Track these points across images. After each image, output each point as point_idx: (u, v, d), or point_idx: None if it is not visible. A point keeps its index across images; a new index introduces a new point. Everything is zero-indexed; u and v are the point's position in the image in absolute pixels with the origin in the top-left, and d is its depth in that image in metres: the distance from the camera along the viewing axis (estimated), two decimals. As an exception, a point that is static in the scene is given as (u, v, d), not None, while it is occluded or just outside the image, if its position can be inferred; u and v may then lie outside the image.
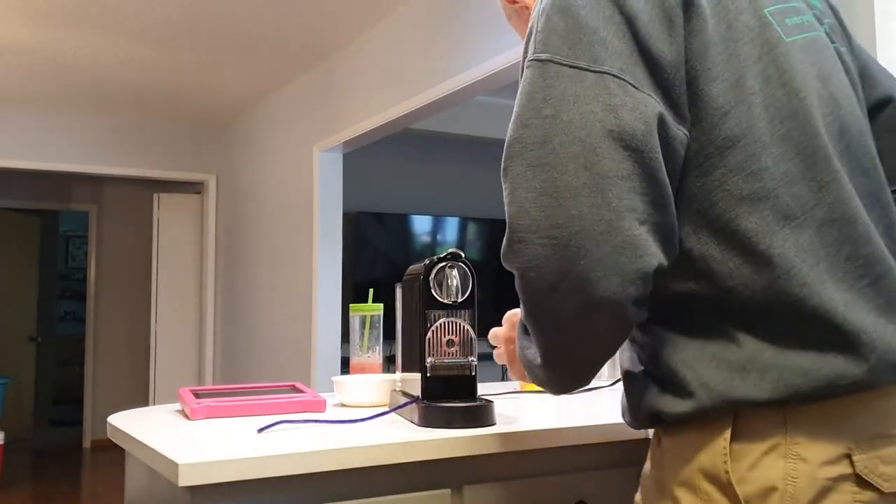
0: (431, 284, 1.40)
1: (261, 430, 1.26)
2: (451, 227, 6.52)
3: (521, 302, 0.91)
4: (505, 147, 0.90)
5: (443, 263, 1.41)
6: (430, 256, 1.43)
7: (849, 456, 0.84)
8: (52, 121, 5.86)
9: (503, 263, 0.91)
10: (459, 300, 1.41)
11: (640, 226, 0.83)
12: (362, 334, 1.80)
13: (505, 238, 0.89)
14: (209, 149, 6.41)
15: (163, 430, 1.32)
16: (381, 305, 1.80)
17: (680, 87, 0.88)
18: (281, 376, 5.15)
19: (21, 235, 7.81)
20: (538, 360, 0.95)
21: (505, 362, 1.29)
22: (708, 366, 0.87)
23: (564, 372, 0.95)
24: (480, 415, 1.32)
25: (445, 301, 1.40)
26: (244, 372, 5.82)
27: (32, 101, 5.66)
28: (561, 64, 0.86)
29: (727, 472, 0.86)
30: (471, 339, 1.38)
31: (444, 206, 6.53)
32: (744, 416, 0.86)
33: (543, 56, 0.87)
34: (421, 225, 6.42)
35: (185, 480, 1.01)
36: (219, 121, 6.30)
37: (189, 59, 4.86)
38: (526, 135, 0.86)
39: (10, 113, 5.75)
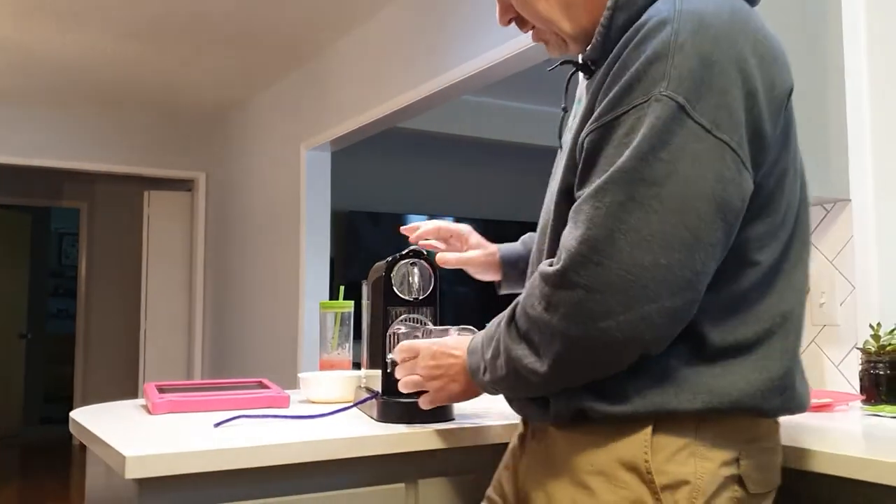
0: (393, 281, 1.42)
1: (217, 425, 1.27)
2: (442, 226, 6.53)
3: (554, 312, 0.94)
4: (612, 169, 0.91)
5: (405, 261, 1.43)
6: (392, 254, 1.44)
7: (738, 460, 0.98)
8: (44, 117, 5.86)
9: (561, 274, 0.93)
10: (421, 297, 1.42)
11: (704, 287, 0.93)
12: (332, 331, 1.81)
13: (576, 252, 0.92)
14: (199, 146, 6.41)
15: (122, 424, 1.33)
16: (352, 303, 1.81)
17: (765, 167, 0.96)
18: (268, 374, 5.14)
19: (12, 232, 7.81)
20: (539, 367, 0.98)
21: (421, 387, 1.23)
22: (646, 378, 0.96)
23: (563, 382, 1.00)
24: (440, 410, 1.32)
25: (407, 298, 1.42)
26: (233, 369, 5.82)
27: (23, 97, 5.66)
28: (688, 115, 0.90)
29: (647, 462, 0.97)
30: (432, 335, 1.38)
31: (438, 205, 6.53)
32: (663, 418, 0.97)
33: (679, 99, 0.90)
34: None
35: (131, 473, 1.02)
36: (209, 118, 6.31)
37: (179, 56, 4.87)
38: (639, 168, 0.90)
39: (1, 109, 5.75)
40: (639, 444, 0.97)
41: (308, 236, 4.79)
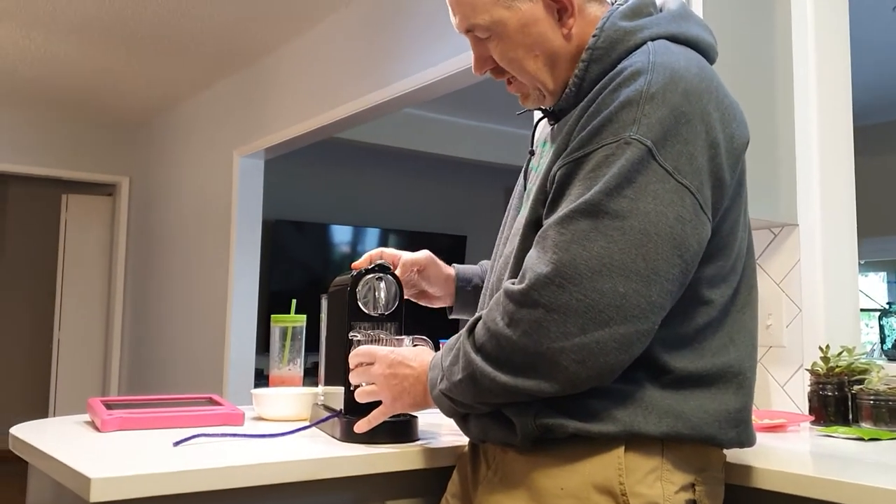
0: (358, 296, 1.38)
1: (177, 444, 1.21)
2: (372, 238, 6.48)
3: (515, 328, 0.98)
4: (579, 200, 0.98)
5: (370, 276, 1.39)
6: (357, 269, 1.40)
7: (693, 486, 1.04)
8: (-45, 114, 5.58)
9: (525, 293, 0.97)
10: (386, 313, 1.39)
11: (659, 322, 0.98)
12: (283, 346, 1.76)
13: (540, 273, 0.97)
14: (123, 150, 6.20)
15: (71, 442, 1.26)
16: (305, 317, 1.76)
17: (721, 212, 1.04)
18: (192, 389, 4.99)
19: (-85, 234, 7.39)
20: (496, 376, 1.01)
21: (376, 396, 1.23)
22: (612, 399, 1.01)
23: (518, 394, 1.01)
24: (404, 430, 1.30)
25: (372, 314, 1.38)
26: (153, 384, 5.62)
27: (-67, 92, 5.39)
28: (654, 158, 0.97)
29: (622, 485, 1.00)
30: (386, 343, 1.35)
31: (364, 216, 6.48)
32: (632, 441, 1.01)
33: (648, 143, 0.97)
34: (341, 235, 6.36)
35: (97, 496, 0.96)
36: (134, 121, 6.11)
37: (107, 57, 4.70)
38: (605, 202, 0.96)
39: None
40: (612, 465, 1.01)
41: (238, 245, 4.68)
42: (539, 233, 1.02)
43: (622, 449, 1.01)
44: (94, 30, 4.26)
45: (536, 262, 0.99)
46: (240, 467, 1.09)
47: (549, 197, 1.05)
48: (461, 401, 1.08)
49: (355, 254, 6.37)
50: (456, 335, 1.11)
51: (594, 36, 1.09)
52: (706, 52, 1.13)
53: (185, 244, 5.40)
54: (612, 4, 1.14)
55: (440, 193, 6.77)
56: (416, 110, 5.48)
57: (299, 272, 6.05)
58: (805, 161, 1.86)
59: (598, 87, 1.05)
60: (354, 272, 1.39)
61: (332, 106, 3.90)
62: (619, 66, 1.04)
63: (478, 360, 1.03)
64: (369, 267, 1.40)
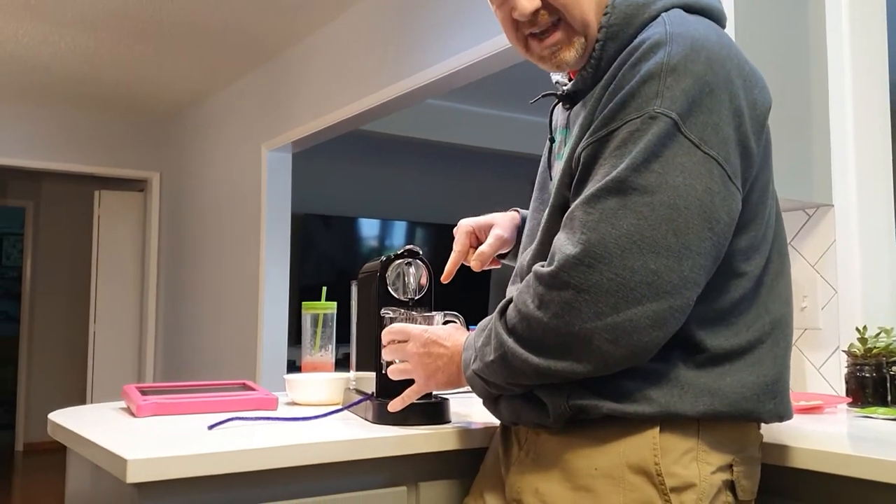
0: (388, 281, 1.38)
1: (212, 427, 1.22)
2: (399, 231, 6.48)
3: (546, 310, 0.96)
4: (606, 178, 0.96)
5: (399, 261, 1.39)
6: (387, 253, 1.41)
7: (731, 466, 1.03)
8: (-11, 113, 5.67)
9: (554, 275, 0.96)
10: (416, 297, 1.39)
11: (695, 297, 0.96)
12: (314, 333, 1.77)
13: (569, 254, 0.95)
14: (153, 145, 6.27)
15: (108, 426, 1.28)
16: (335, 304, 1.77)
17: (751, 181, 1.02)
18: (225, 378, 5.05)
19: (-47, 232, 7.53)
20: (528, 357, 0.99)
21: (408, 375, 1.22)
22: (647, 380, 0.99)
23: (551, 376, 1.00)
24: (435, 412, 1.30)
25: (402, 298, 1.38)
26: (186, 376, 5.68)
27: (-32, 92, 5.47)
28: (680, 130, 0.95)
29: (657, 464, 0.99)
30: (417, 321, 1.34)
31: (392, 210, 6.49)
32: (665, 428, 1.00)
33: (673, 115, 0.95)
34: (368, 229, 6.37)
35: (133, 477, 0.97)
36: (164, 116, 6.17)
37: (135, 52, 4.75)
38: (632, 178, 0.95)
39: (-56, 104, 5.55)
40: (647, 445, 1.00)
41: (268, 239, 4.71)
42: (566, 214, 1.01)
43: (657, 429, 1.00)
44: (123, 25, 4.30)
45: (565, 243, 0.97)
46: (274, 448, 1.09)
47: (574, 179, 1.03)
48: (493, 382, 1.08)
49: (383, 247, 6.38)
50: (488, 317, 1.11)
51: (606, 14, 1.07)
52: (718, 20, 1.10)
53: (215, 239, 5.45)
54: None
55: (466, 185, 6.75)
56: (441, 101, 5.46)
57: (328, 266, 6.06)
58: (840, 140, 1.83)
59: (616, 63, 1.03)
60: (383, 258, 1.39)
61: (358, 97, 3.90)
62: (637, 41, 1.02)
63: (509, 341, 1.02)
64: (398, 252, 1.40)
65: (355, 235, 6.31)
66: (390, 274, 1.38)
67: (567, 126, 1.17)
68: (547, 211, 1.10)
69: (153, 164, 6.27)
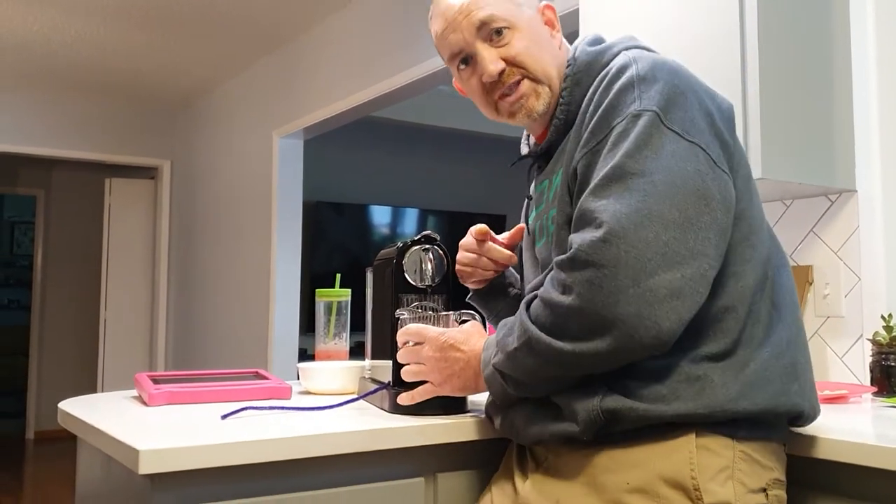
0: (405, 268, 1.35)
1: (225, 417, 1.20)
2: (411, 218, 6.45)
3: (570, 293, 0.98)
4: (608, 169, 1.02)
5: (416, 247, 1.36)
6: (404, 240, 1.38)
7: (765, 490, 1.02)
8: (-1, 101, 5.66)
9: (572, 257, 0.99)
10: (433, 284, 1.36)
11: (707, 270, 0.99)
12: (328, 321, 1.74)
13: (587, 237, 0.98)
14: (164, 133, 6.25)
15: (119, 416, 1.26)
16: (349, 291, 1.74)
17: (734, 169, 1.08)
18: (236, 366, 5.04)
19: (-36, 220, 7.54)
20: (554, 343, 1.00)
21: (423, 377, 1.21)
22: (678, 380, 1.00)
23: (578, 363, 1.00)
24: (453, 402, 1.27)
25: (419, 285, 1.36)
26: (198, 364, 5.68)
27: (-22, 79, 5.46)
28: (662, 122, 1.02)
29: (694, 479, 0.98)
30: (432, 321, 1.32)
31: (403, 197, 6.45)
32: (702, 435, 1.00)
33: (655, 108, 1.03)
34: (380, 216, 6.34)
35: (145, 468, 0.95)
36: (175, 104, 6.15)
37: (146, 39, 4.72)
38: (629, 164, 1.00)
39: (-46, 91, 5.54)
40: (683, 459, 0.99)
41: (280, 226, 4.69)
42: (575, 213, 1.04)
43: (693, 438, 0.99)
44: (134, 13, 4.27)
45: (580, 232, 1.01)
46: (289, 439, 1.07)
47: (574, 190, 1.09)
48: (514, 376, 1.06)
49: (395, 234, 6.35)
50: (514, 316, 1.11)
51: (569, 65, 1.21)
52: None
53: (226, 226, 5.43)
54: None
55: (478, 172, 6.71)
56: (452, 88, 5.42)
57: (340, 254, 6.04)
58: (863, 124, 1.79)
59: (591, 90, 1.13)
60: (400, 244, 1.36)
61: (369, 84, 3.87)
62: (603, 72, 1.13)
63: (533, 328, 1.02)
64: (415, 238, 1.37)
65: (367, 223, 6.28)
66: (407, 260, 1.36)
67: (545, 180, 1.24)
68: (552, 231, 1.14)
69: (164, 151, 6.25)
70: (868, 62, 1.80)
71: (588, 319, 0.97)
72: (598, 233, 0.97)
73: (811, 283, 1.83)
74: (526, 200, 1.31)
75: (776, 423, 1.06)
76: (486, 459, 1.24)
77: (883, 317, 1.60)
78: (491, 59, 1.20)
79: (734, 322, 1.03)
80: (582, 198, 1.03)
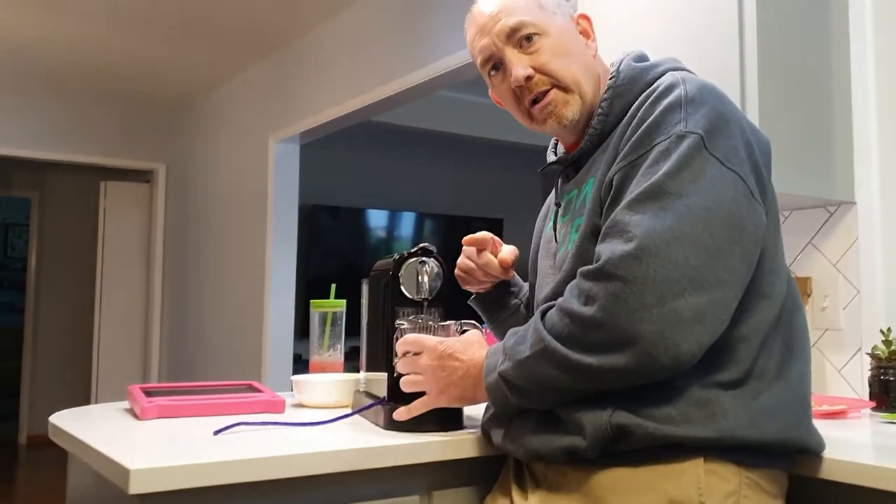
0: (401, 280, 1.34)
1: (217, 433, 1.18)
2: (408, 222, 6.43)
3: (592, 304, 0.97)
4: (647, 185, 1.01)
5: (413, 259, 1.35)
6: (400, 251, 1.36)
7: None
8: (-6, 103, 5.63)
9: (600, 268, 0.98)
10: (430, 297, 1.35)
11: (731, 300, 0.99)
12: (322, 332, 1.72)
13: (617, 250, 0.98)
14: (160, 137, 6.23)
15: (111, 430, 1.24)
16: (344, 302, 1.73)
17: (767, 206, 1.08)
18: (231, 374, 5.02)
19: (-42, 222, 7.50)
20: (569, 354, 0.99)
21: (421, 387, 1.20)
22: (689, 403, 0.99)
23: (591, 375, 0.99)
24: (451, 418, 1.25)
25: (415, 298, 1.34)
26: (192, 368, 5.66)
27: (-27, 82, 5.43)
28: (705, 147, 1.02)
29: (703, 503, 0.97)
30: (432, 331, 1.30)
31: (400, 201, 6.44)
32: (710, 460, 0.99)
33: (700, 131, 1.02)
34: (377, 220, 6.32)
35: (136, 488, 0.93)
36: (171, 108, 6.13)
37: (141, 43, 4.70)
38: (668, 184, 1.00)
39: (-52, 94, 5.51)
40: (691, 482, 0.98)
41: (275, 231, 4.67)
42: (607, 223, 1.03)
43: (701, 463, 0.98)
44: (129, 16, 4.26)
45: (610, 244, 1.00)
46: (281, 457, 1.05)
47: (606, 202, 1.08)
48: (520, 385, 1.05)
49: (392, 239, 6.33)
50: (525, 325, 1.10)
51: (612, 77, 1.19)
52: None
53: (222, 230, 5.41)
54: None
55: (476, 176, 6.69)
56: (451, 92, 5.40)
57: (336, 257, 6.02)
58: (862, 135, 1.78)
59: (636, 104, 1.12)
60: (396, 256, 1.35)
61: (367, 89, 3.85)
62: (650, 88, 1.12)
63: (549, 337, 1.02)
64: (412, 250, 1.35)
65: (364, 226, 6.26)
66: (403, 273, 1.34)
67: (573, 189, 1.23)
68: (576, 239, 1.13)
69: (160, 155, 6.23)
70: (867, 73, 1.79)
71: (608, 333, 0.96)
72: (629, 247, 0.97)
73: (810, 296, 1.82)
74: (554, 207, 1.29)
75: (783, 454, 1.05)
76: (482, 477, 1.23)
77: (882, 331, 1.59)
78: (519, 64, 1.20)
79: (747, 353, 1.02)
80: (616, 209, 1.03)
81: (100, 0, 4.05)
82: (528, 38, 1.19)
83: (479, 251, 1.42)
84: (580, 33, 1.25)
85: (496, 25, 1.21)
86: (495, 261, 1.41)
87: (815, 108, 1.76)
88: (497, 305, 1.48)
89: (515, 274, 1.49)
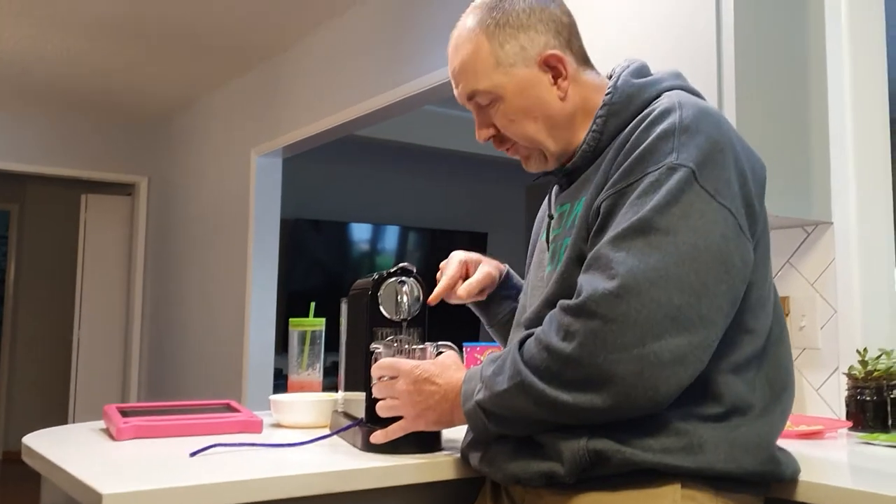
0: (380, 301, 1.33)
1: (193, 454, 1.17)
2: (392, 236, 6.43)
3: (571, 340, 0.96)
4: (631, 220, 1.00)
5: (392, 279, 1.34)
6: (379, 271, 1.36)
7: None
8: (-26, 115, 5.59)
9: (581, 305, 0.97)
10: (409, 318, 1.34)
11: (714, 340, 0.98)
12: (301, 350, 1.72)
13: (599, 287, 0.96)
14: (141, 149, 6.20)
15: (84, 452, 1.22)
16: (324, 320, 1.72)
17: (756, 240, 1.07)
18: (211, 390, 4.98)
19: (-64, 234, 7.42)
20: (545, 390, 0.98)
21: (397, 412, 1.19)
22: (667, 434, 0.99)
23: (567, 412, 0.99)
24: (428, 440, 1.25)
25: (394, 318, 1.34)
26: (172, 385, 5.62)
27: (-47, 93, 5.39)
28: (696, 180, 1.00)
29: None
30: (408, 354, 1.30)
31: (384, 215, 6.43)
32: (687, 486, 0.99)
33: (691, 165, 1.00)
34: (360, 233, 6.32)
35: (108, 513, 0.92)
36: (153, 120, 6.10)
37: (123, 55, 4.69)
38: (656, 219, 0.98)
39: (-72, 105, 5.46)
40: None
41: (256, 246, 4.65)
42: (591, 255, 1.02)
43: (678, 489, 0.98)
44: (111, 28, 4.24)
45: (592, 278, 0.99)
46: (257, 480, 1.04)
47: (592, 230, 1.07)
48: (499, 414, 1.04)
49: (375, 252, 6.32)
50: (503, 350, 1.09)
51: (609, 93, 1.15)
52: None
53: (203, 244, 5.38)
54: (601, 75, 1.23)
55: (460, 190, 6.71)
56: (436, 107, 5.41)
57: (318, 271, 6.00)
58: (839, 156, 1.80)
59: (627, 129, 1.10)
60: (375, 275, 1.34)
61: (351, 103, 3.86)
62: (647, 111, 1.09)
63: (526, 371, 1.00)
64: (391, 270, 1.35)
65: (347, 240, 6.26)
66: (382, 293, 1.34)
67: (567, 203, 1.21)
68: (562, 263, 1.11)
69: (141, 168, 6.19)
70: (844, 93, 1.81)
71: (586, 372, 0.95)
72: (611, 284, 0.95)
73: (788, 315, 1.83)
74: (547, 219, 1.28)
75: (759, 484, 1.06)
76: (460, 499, 1.22)
77: (858, 351, 1.60)
78: (481, 126, 1.23)
79: (728, 388, 1.02)
80: (601, 241, 1.01)
81: (81, 13, 4.03)
82: (483, 104, 1.20)
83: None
84: (551, 71, 1.17)
85: (457, 88, 1.23)
86: (461, 292, 1.40)
87: (792, 129, 1.78)
88: (492, 312, 1.48)
89: (512, 271, 1.49)
